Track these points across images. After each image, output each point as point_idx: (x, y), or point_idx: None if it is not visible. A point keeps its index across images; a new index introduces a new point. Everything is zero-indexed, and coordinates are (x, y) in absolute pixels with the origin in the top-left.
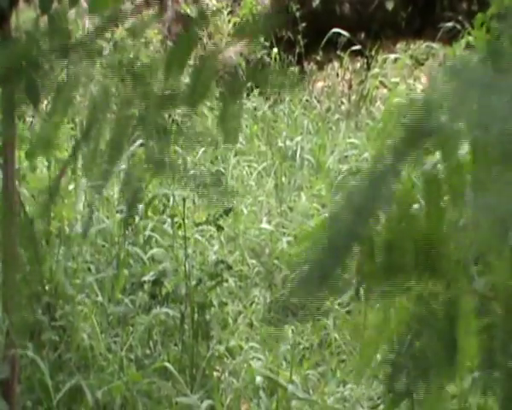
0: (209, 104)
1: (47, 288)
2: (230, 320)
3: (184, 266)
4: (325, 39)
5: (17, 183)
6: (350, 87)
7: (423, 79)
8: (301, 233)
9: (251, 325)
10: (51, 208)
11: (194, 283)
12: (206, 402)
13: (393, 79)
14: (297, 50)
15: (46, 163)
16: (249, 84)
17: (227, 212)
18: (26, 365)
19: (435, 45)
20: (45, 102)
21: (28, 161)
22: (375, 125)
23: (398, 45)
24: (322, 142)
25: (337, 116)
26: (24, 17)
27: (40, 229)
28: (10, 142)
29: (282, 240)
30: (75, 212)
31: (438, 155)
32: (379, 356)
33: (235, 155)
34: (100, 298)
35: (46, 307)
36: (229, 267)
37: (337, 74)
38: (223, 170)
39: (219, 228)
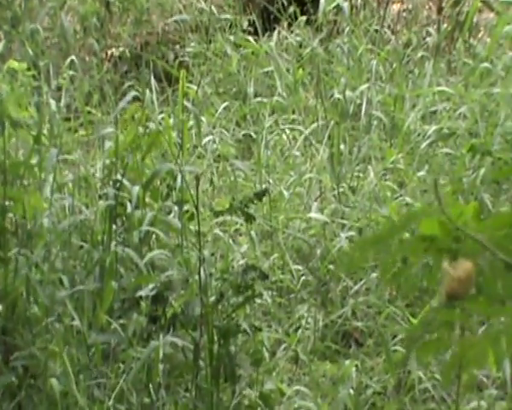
0: (233, 39)
1: (0, 309)
2: (266, 353)
3: (199, 275)
4: None
5: None
6: (439, 11)
7: None
8: (369, 227)
9: (296, 359)
10: (5, 193)
11: (212, 299)
12: None
13: None
14: None
15: None
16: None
17: (260, 196)
18: None
19: None
20: None
21: None
22: (476, 66)
23: None
24: (398, 92)
25: (421, 53)
26: None
27: None
28: None
29: (340, 236)
30: (40, 198)
31: None
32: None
33: (272, 112)
34: (76, 322)
35: None
36: (264, 277)
37: None
38: (253, 134)
39: (249, 219)
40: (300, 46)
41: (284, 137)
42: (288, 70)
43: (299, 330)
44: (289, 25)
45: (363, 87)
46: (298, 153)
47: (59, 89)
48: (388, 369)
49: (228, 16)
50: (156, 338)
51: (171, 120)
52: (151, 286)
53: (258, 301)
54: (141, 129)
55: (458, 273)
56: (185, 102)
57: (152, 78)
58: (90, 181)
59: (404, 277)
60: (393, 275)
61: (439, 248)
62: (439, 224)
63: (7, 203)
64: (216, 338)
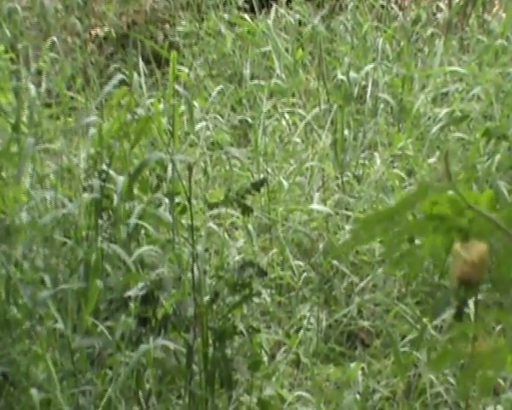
0: (227, 17)
1: None
2: (265, 356)
3: (192, 272)
4: None
5: None
6: None
7: None
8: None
9: (297, 362)
10: None
11: (207, 299)
12: None
13: None
14: None
15: None
16: None
17: (258, 186)
18: None
19: None
20: None
21: None
22: (490, 44)
23: None
24: (406, 72)
25: (431, 30)
26: None
27: None
28: None
29: (344, 229)
30: (19, 190)
31: None
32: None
33: (270, 95)
34: (60, 325)
35: None
36: (263, 273)
37: None
38: (250, 120)
39: (246, 211)
40: (300, 24)
41: (283, 122)
42: (286, 50)
43: (301, 331)
44: (288, 1)
45: (369, 67)
46: (298, 139)
47: (39, 73)
48: (397, 372)
49: None
50: (146, 341)
51: (161, 106)
52: (140, 285)
53: (256, 300)
54: (128, 115)
55: (471, 256)
56: (176, 86)
57: (140, 60)
58: (74, 172)
59: (411, 259)
60: (399, 257)
61: (448, 227)
62: (449, 201)
63: None
64: (211, 341)
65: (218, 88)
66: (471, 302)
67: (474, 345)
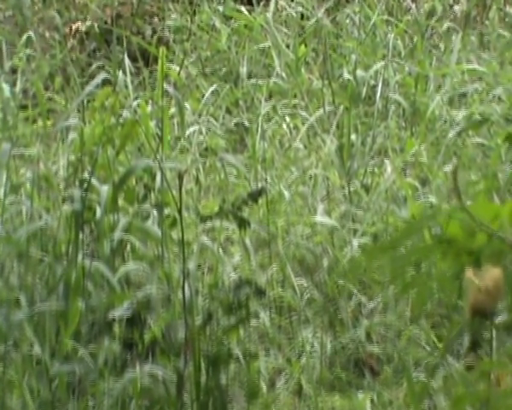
0: (222, 10)
1: None
2: (264, 385)
3: (183, 292)
4: None
5: None
6: None
7: None
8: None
9: (299, 391)
10: None
11: (199, 321)
12: None
13: None
14: None
15: None
16: None
17: (255, 196)
18: None
19: None
20: None
21: None
22: None
23: None
24: (420, 71)
25: (447, 25)
26: None
27: None
28: None
29: (351, 243)
30: None
31: None
32: None
33: (269, 96)
34: (37, 350)
35: None
36: (261, 293)
37: None
38: (247, 123)
39: (242, 224)
40: (302, 17)
41: (284, 126)
42: (287, 46)
43: (303, 357)
44: None
45: (378, 65)
46: (300, 145)
47: (14, 71)
48: (410, 403)
49: None
50: (132, 368)
51: (149, 108)
52: (126, 306)
53: (253, 322)
54: (112, 118)
55: (485, 283)
56: (165, 86)
57: (125, 57)
58: (52, 181)
59: (417, 286)
60: (405, 285)
61: (458, 250)
62: (459, 223)
63: None
64: (203, 367)
65: (212, 88)
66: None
67: (493, 380)
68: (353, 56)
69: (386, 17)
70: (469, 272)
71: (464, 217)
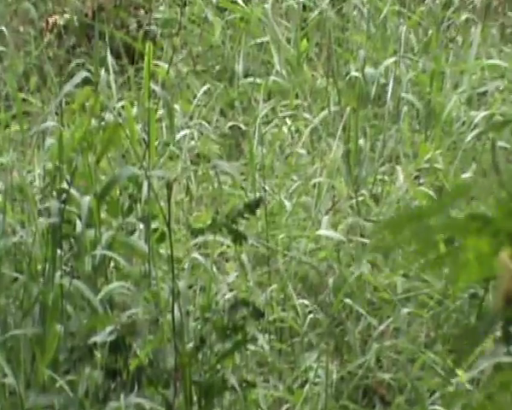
0: (215, 1)
1: None
2: None
3: (172, 313)
4: None
5: None
6: None
7: None
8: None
9: None
10: None
11: (190, 346)
12: None
13: None
14: None
15: None
16: None
17: (253, 207)
18: None
19: None
20: None
21: None
22: None
23: None
24: (435, 67)
25: (465, 16)
26: None
27: None
28: None
29: (359, 259)
30: None
31: None
32: None
33: (268, 96)
34: (10, 380)
35: None
36: (259, 315)
37: None
38: (243, 126)
39: (238, 239)
40: (305, 9)
41: (284, 129)
42: (288, 41)
43: (306, 386)
44: None
45: (389, 62)
46: (303, 150)
47: None
48: None
49: None
50: (116, 399)
51: (135, 110)
52: (109, 330)
53: (251, 347)
54: (94, 121)
55: None
56: (152, 86)
57: (108, 53)
58: (27, 191)
59: (453, 261)
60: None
61: (495, 230)
62: (496, 201)
63: None
64: (195, 398)
65: (205, 88)
66: None
67: None
68: (361, 52)
69: (397, 8)
70: (504, 255)
71: (503, 195)
